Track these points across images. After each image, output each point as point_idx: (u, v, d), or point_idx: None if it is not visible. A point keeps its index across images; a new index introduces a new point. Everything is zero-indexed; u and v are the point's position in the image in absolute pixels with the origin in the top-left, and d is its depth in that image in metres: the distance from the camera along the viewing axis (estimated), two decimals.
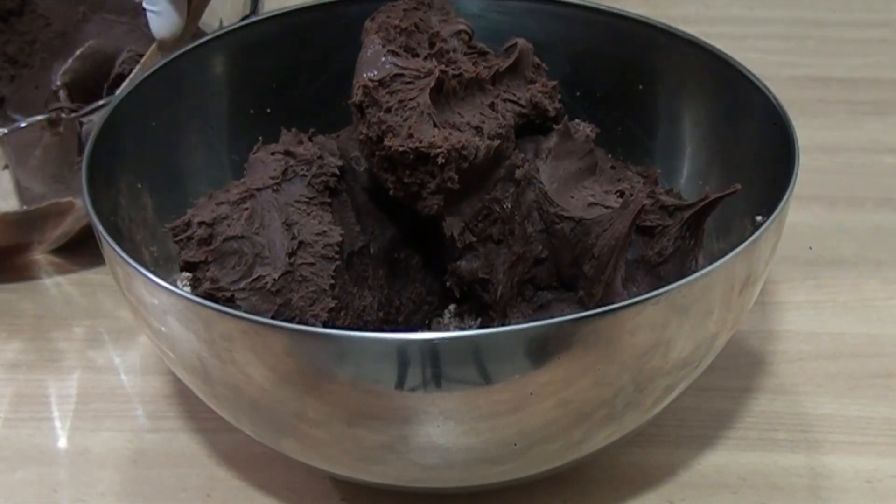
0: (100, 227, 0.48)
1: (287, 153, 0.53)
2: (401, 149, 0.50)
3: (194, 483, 0.54)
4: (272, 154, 0.53)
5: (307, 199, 0.51)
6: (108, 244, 0.48)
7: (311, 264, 0.50)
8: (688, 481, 0.53)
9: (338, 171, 0.53)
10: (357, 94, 0.52)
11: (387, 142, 0.50)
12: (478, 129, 0.52)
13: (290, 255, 0.49)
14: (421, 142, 0.50)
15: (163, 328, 0.48)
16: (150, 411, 0.58)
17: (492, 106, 0.54)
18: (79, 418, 0.57)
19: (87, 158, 0.52)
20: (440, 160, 0.50)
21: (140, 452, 0.56)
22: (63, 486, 0.54)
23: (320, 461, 0.50)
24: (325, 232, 0.51)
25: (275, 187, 0.51)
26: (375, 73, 0.52)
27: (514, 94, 0.55)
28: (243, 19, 0.65)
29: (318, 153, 0.53)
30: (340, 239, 0.51)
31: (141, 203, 0.56)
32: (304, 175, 0.52)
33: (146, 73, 0.58)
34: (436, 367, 0.43)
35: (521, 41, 0.55)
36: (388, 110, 0.51)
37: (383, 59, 0.52)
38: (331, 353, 0.44)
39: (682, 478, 0.53)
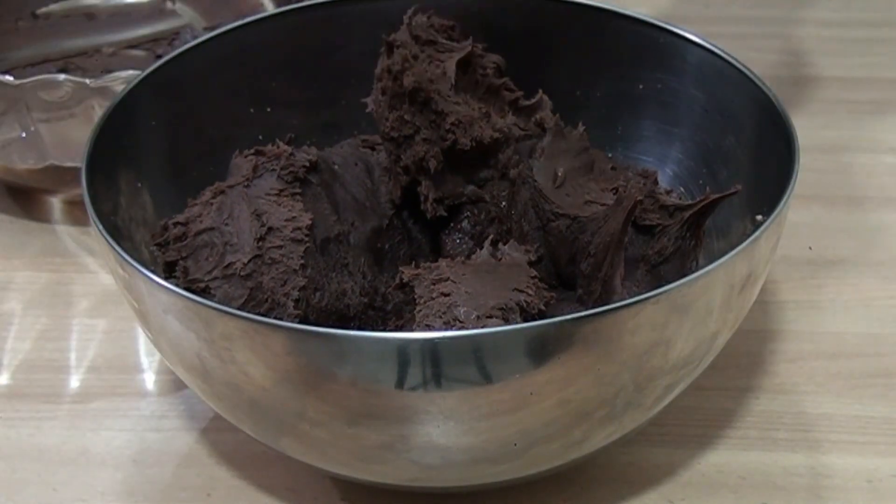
0: (100, 227, 0.48)
1: (258, 152, 0.54)
2: (416, 86, 0.52)
3: (194, 483, 0.54)
4: (246, 157, 0.54)
5: (277, 191, 0.52)
6: (109, 244, 0.48)
7: (280, 247, 0.50)
8: (688, 481, 0.53)
9: (308, 164, 0.53)
10: (394, 33, 0.54)
11: (407, 73, 0.52)
12: (486, 115, 0.54)
13: (259, 239, 0.50)
14: (440, 93, 0.53)
15: (163, 328, 0.48)
16: (150, 411, 0.58)
17: (502, 117, 0.55)
18: (79, 418, 0.57)
19: (86, 158, 0.52)
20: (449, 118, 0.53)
21: (140, 452, 0.56)
22: (63, 486, 0.54)
23: (320, 461, 0.50)
24: (294, 217, 0.51)
25: (245, 183, 0.53)
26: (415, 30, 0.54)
27: (523, 125, 0.57)
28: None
29: (288, 149, 0.53)
30: (310, 223, 0.51)
31: (141, 203, 0.56)
32: (273, 170, 0.53)
33: (146, 73, 0.58)
34: (436, 367, 0.43)
35: (544, 96, 0.57)
36: (416, 57, 0.53)
37: (426, 27, 0.54)
38: (331, 353, 0.44)
39: (682, 477, 0.53)
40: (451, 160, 0.54)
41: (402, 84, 0.53)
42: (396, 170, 0.55)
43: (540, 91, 0.57)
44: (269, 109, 0.62)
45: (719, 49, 0.58)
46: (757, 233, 0.47)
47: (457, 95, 0.54)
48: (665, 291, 0.44)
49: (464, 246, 0.56)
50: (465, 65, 0.54)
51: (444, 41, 0.54)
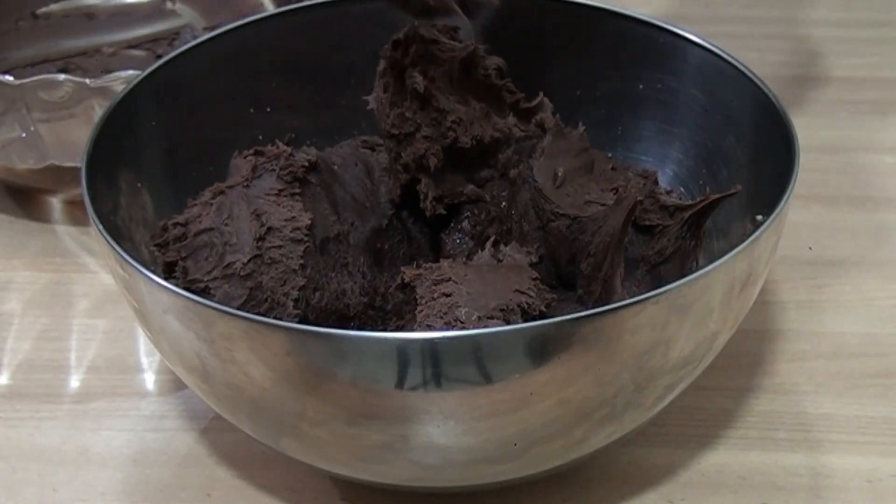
0: (100, 227, 0.48)
1: (257, 153, 0.54)
2: (418, 83, 0.52)
3: (194, 483, 0.54)
4: (245, 157, 0.54)
5: (277, 192, 0.52)
6: (109, 244, 0.48)
7: (280, 247, 0.50)
8: (688, 480, 0.53)
9: (307, 164, 0.53)
10: (396, 32, 0.54)
11: (409, 70, 0.53)
12: (487, 115, 0.54)
13: (259, 239, 0.50)
14: (442, 91, 0.53)
15: (163, 328, 0.48)
16: (151, 411, 0.58)
17: (503, 118, 0.56)
18: (79, 418, 0.57)
19: (86, 158, 0.52)
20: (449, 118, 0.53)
21: (140, 452, 0.56)
22: (63, 486, 0.54)
23: (320, 460, 0.50)
24: (293, 217, 0.52)
25: (245, 184, 0.53)
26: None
27: (523, 127, 0.57)
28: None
29: (287, 150, 0.53)
30: (309, 222, 0.51)
31: (141, 203, 0.56)
32: (272, 170, 0.53)
33: (146, 73, 0.58)
34: (436, 367, 0.43)
35: (545, 98, 0.57)
36: (419, 55, 0.53)
37: (429, 26, 0.54)
38: (331, 353, 0.44)
39: (682, 477, 0.53)
40: (451, 159, 0.54)
41: (403, 81, 0.53)
42: (396, 168, 0.55)
43: (541, 93, 0.57)
44: (268, 110, 0.62)
45: (719, 49, 0.58)
46: (757, 233, 0.47)
47: (458, 95, 0.54)
48: (665, 291, 0.44)
49: (464, 246, 0.56)
50: (467, 65, 0.54)
51: (446, 41, 0.54)
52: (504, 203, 0.56)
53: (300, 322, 0.50)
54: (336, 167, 0.56)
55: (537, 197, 0.54)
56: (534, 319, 0.48)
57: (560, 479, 0.53)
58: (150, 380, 0.60)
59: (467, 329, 0.46)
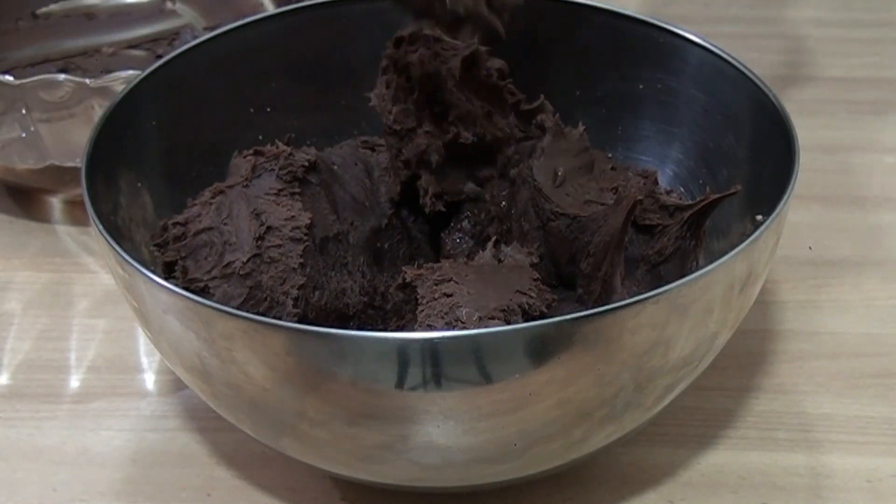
0: (100, 227, 0.48)
1: (257, 152, 0.54)
2: (422, 78, 0.52)
3: (194, 483, 0.54)
4: (245, 157, 0.54)
5: (276, 191, 0.52)
6: (109, 244, 0.48)
7: (279, 246, 0.50)
8: (688, 480, 0.53)
9: (307, 164, 0.53)
10: (397, 32, 0.54)
11: (414, 65, 0.53)
12: (488, 115, 0.54)
13: (258, 239, 0.50)
14: (445, 88, 0.53)
15: (163, 328, 0.48)
16: (151, 411, 0.58)
17: (504, 118, 0.56)
18: (79, 418, 0.57)
19: (86, 158, 0.52)
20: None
21: (140, 452, 0.56)
22: (63, 486, 0.54)
23: (320, 460, 0.50)
24: (292, 217, 0.52)
25: (244, 184, 0.53)
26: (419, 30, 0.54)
27: (524, 128, 0.57)
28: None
29: (287, 149, 0.53)
30: (308, 222, 0.51)
31: (141, 203, 0.56)
32: (272, 170, 0.53)
33: (146, 73, 0.58)
34: (436, 367, 0.43)
35: (546, 100, 0.57)
36: (425, 53, 0.53)
37: (432, 25, 0.54)
38: (331, 353, 0.44)
39: (682, 477, 0.53)
40: (452, 155, 0.55)
41: (409, 77, 0.53)
42: (397, 164, 0.55)
43: (542, 95, 0.57)
44: (268, 110, 0.62)
45: (719, 49, 0.58)
46: (757, 233, 0.47)
47: (460, 92, 0.54)
48: (665, 291, 0.44)
49: (464, 245, 0.56)
50: (469, 64, 0.54)
51: (449, 40, 0.54)
52: (504, 202, 0.56)
53: (299, 321, 0.50)
54: (336, 167, 0.56)
55: (537, 196, 0.54)
56: (534, 320, 0.48)
57: (560, 479, 0.53)
58: (150, 380, 0.60)
59: (468, 329, 0.46)
